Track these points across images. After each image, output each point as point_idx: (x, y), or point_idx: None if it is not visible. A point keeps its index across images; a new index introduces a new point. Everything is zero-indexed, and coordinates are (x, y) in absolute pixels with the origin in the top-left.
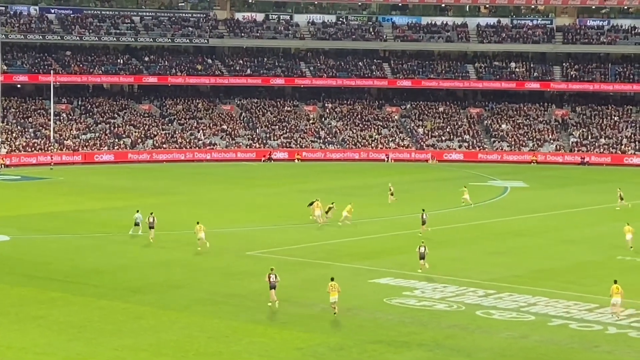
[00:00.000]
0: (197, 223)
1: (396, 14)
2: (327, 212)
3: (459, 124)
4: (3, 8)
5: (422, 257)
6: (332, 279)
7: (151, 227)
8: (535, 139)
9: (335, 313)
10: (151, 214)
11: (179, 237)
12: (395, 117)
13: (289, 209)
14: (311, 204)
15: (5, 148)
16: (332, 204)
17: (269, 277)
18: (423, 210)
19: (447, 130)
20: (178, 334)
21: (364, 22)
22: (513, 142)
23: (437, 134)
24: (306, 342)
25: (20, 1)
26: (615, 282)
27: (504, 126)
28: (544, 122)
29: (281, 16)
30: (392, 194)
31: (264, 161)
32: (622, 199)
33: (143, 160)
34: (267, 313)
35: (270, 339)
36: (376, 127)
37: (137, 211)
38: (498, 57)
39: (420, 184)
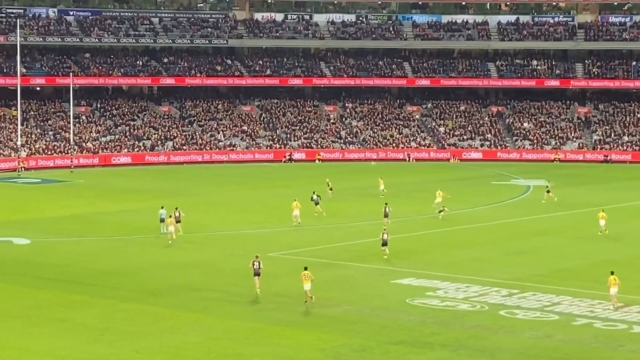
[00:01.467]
0: (170, 216)
1: (416, 12)
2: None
3: (481, 122)
4: (22, 10)
5: (384, 244)
6: (306, 268)
7: (178, 222)
8: (557, 137)
9: (306, 302)
10: (176, 208)
11: (198, 239)
12: (416, 116)
13: (310, 210)
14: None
15: (25, 151)
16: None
17: (253, 264)
18: (386, 204)
19: (469, 129)
20: (199, 336)
21: (384, 21)
22: (535, 141)
23: (458, 133)
24: (328, 343)
25: (39, 4)
26: (612, 273)
27: (525, 124)
28: (567, 120)
29: (300, 16)
30: (330, 189)
31: (284, 162)
32: None
33: (161, 162)
34: (289, 314)
35: (292, 341)
36: (397, 127)
37: (162, 207)
38: (519, 55)
39: (442, 184)
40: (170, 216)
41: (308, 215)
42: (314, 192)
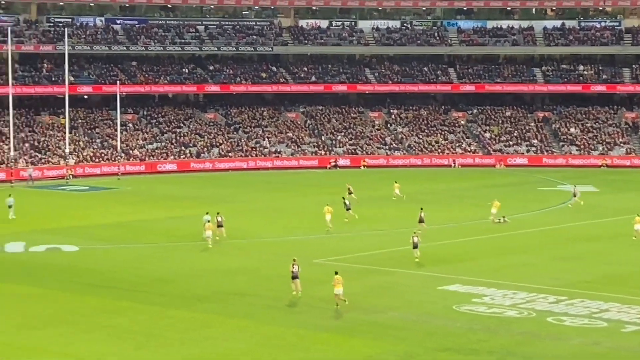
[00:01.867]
0: (208, 221)
1: (461, 18)
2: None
3: (527, 128)
4: (70, 20)
5: (415, 247)
6: (336, 273)
7: (220, 226)
8: (604, 143)
9: (337, 305)
10: (218, 213)
11: (244, 245)
12: (462, 122)
13: (359, 216)
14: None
15: (73, 159)
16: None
17: (293, 267)
18: (421, 209)
19: (515, 134)
20: (245, 343)
21: (428, 27)
22: (582, 146)
23: (504, 138)
24: (374, 349)
25: (86, 13)
26: None
27: (572, 130)
28: (614, 125)
29: (345, 22)
30: (351, 193)
31: (329, 168)
32: None
33: (206, 170)
34: (335, 320)
35: (338, 347)
36: (442, 133)
37: (207, 213)
38: (566, 60)
39: (488, 190)
40: (208, 221)
41: (363, 223)
42: (344, 198)
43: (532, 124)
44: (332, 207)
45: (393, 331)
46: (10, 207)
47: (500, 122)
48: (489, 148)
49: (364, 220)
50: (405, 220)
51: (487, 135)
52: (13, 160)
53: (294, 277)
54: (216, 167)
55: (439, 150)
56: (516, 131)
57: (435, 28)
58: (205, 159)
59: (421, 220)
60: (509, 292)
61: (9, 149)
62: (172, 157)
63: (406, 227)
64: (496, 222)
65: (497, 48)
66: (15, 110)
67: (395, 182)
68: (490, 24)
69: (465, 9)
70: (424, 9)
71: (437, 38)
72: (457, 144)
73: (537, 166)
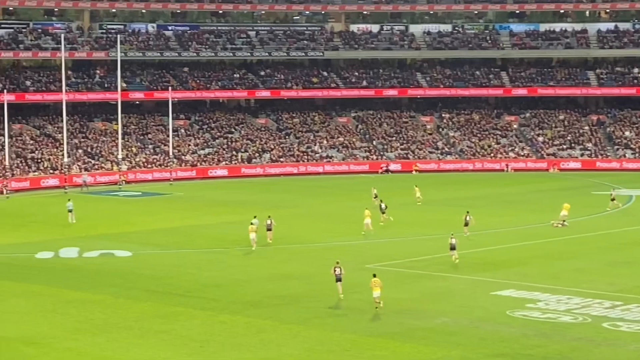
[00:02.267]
0: (251, 223)
1: (513, 21)
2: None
3: (580, 131)
4: (122, 26)
5: (452, 248)
6: (374, 276)
7: (269, 230)
8: None
9: (377, 307)
10: (269, 217)
11: (296, 250)
12: (514, 126)
13: (408, 220)
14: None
15: (126, 165)
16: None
17: (335, 270)
18: (467, 212)
19: (568, 138)
20: (299, 348)
21: (480, 31)
22: (637, 149)
23: (557, 142)
24: (428, 355)
25: (138, 19)
26: None
27: (627, 133)
28: None
29: (396, 27)
30: (376, 197)
31: (381, 173)
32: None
33: (257, 175)
34: (388, 326)
35: (392, 353)
36: (494, 137)
37: (255, 217)
38: (620, 62)
39: (542, 194)
40: (252, 223)
41: (415, 228)
42: (381, 201)
43: (586, 128)
44: (371, 211)
45: (446, 336)
46: (70, 211)
47: (554, 125)
48: (542, 152)
49: (414, 225)
50: (457, 225)
51: (540, 139)
52: (67, 167)
53: (338, 280)
54: (267, 172)
55: (492, 155)
56: (570, 135)
57: (487, 31)
58: (256, 164)
59: (466, 224)
60: (564, 297)
61: (63, 155)
62: (223, 162)
63: (458, 231)
64: (555, 226)
65: (550, 51)
66: (68, 117)
67: (416, 186)
68: (543, 27)
69: (517, 12)
70: (475, 12)
71: (489, 41)
72: (510, 148)
73: (591, 170)
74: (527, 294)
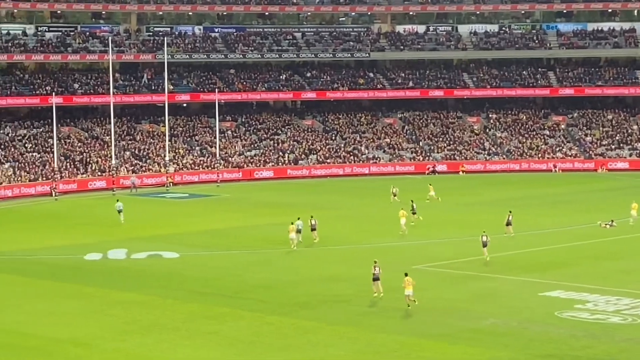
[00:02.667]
0: (292, 223)
1: (561, 21)
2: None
3: (629, 131)
4: (169, 29)
5: (484, 245)
6: (406, 274)
7: (313, 230)
8: None
9: (409, 306)
10: (312, 217)
11: (342, 252)
12: (562, 126)
13: (456, 221)
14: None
15: (173, 167)
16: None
17: (374, 269)
18: (510, 212)
19: (616, 138)
20: (346, 349)
21: (527, 31)
22: None
23: (606, 142)
24: (475, 356)
25: (185, 22)
26: None
27: None
28: None
29: (443, 27)
30: (395, 195)
31: (427, 174)
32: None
33: (303, 176)
34: (435, 327)
35: (439, 354)
36: (542, 137)
37: (298, 218)
38: None
39: (590, 194)
40: (291, 223)
41: (463, 229)
42: (412, 201)
43: (635, 127)
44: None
45: (494, 337)
46: (120, 212)
47: (602, 125)
48: (590, 152)
49: (461, 225)
50: (502, 227)
51: (588, 139)
52: (114, 169)
53: (375, 279)
54: (313, 173)
55: (539, 155)
56: (618, 135)
57: (534, 31)
58: (302, 166)
59: (508, 224)
60: (613, 298)
61: (111, 157)
62: (270, 164)
63: (499, 232)
64: (602, 227)
65: (598, 50)
66: (116, 119)
67: (430, 185)
68: (591, 26)
69: (564, 11)
70: (522, 12)
71: (536, 41)
72: (558, 148)
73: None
74: (576, 295)
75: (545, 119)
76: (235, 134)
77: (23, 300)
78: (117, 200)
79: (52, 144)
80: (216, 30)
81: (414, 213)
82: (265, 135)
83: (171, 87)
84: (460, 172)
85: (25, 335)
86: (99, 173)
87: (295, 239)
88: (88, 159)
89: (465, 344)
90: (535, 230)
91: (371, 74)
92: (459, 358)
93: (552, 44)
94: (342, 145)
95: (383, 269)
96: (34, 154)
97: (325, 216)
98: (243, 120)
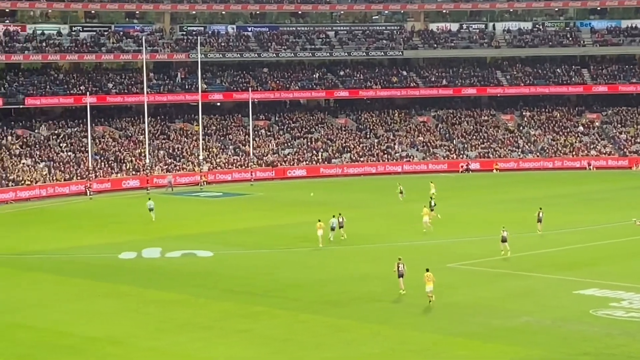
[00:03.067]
0: (319, 221)
1: (595, 18)
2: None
3: None
4: (202, 28)
5: (504, 241)
6: (427, 270)
7: (341, 227)
8: None
9: (430, 301)
10: (339, 214)
11: (374, 250)
12: (596, 123)
13: (489, 219)
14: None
15: (206, 165)
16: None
17: (398, 267)
18: (540, 209)
19: None
20: (380, 347)
21: (561, 28)
22: None
23: None
24: (510, 355)
25: (218, 21)
26: None
27: None
28: None
29: (476, 25)
30: (401, 192)
31: (461, 172)
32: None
33: (336, 175)
34: (468, 325)
35: (473, 352)
36: (576, 135)
37: (333, 216)
38: None
39: (624, 192)
40: (319, 220)
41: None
42: (431, 198)
43: None
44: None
45: (529, 336)
46: (151, 210)
47: (636, 123)
48: (625, 150)
49: (494, 223)
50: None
51: (623, 136)
52: (148, 168)
53: (400, 276)
54: (346, 172)
55: (573, 153)
56: None
57: (568, 29)
58: (334, 164)
59: (539, 220)
60: None
61: (145, 156)
62: (303, 162)
63: (533, 231)
64: (637, 224)
65: (632, 47)
66: (150, 118)
67: (431, 182)
68: (625, 24)
69: (598, 8)
70: (556, 9)
71: (570, 39)
72: (592, 146)
73: None
74: (611, 293)
75: (579, 116)
76: (268, 133)
77: (58, 299)
78: (149, 199)
79: (87, 144)
80: (249, 29)
81: (431, 210)
82: (298, 134)
83: (205, 87)
84: (495, 170)
85: (61, 333)
86: (133, 172)
87: (323, 236)
88: (122, 158)
89: (499, 342)
90: (570, 228)
91: (404, 72)
92: (492, 356)
93: (586, 41)
94: (376, 143)
95: (415, 268)
96: (69, 153)
97: (357, 215)
98: (276, 119)
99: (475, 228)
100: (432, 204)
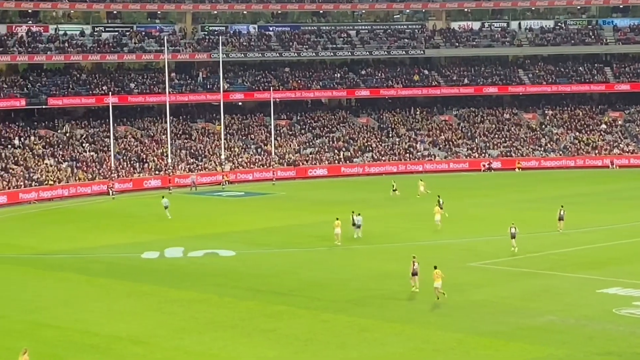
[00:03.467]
0: (337, 219)
1: (617, 16)
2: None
3: None
4: (224, 28)
5: (513, 237)
6: (435, 267)
7: (358, 227)
8: None
9: (438, 298)
10: (358, 214)
11: (396, 249)
12: (619, 122)
13: (511, 218)
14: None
15: (228, 165)
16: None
17: (413, 264)
18: (562, 206)
19: None
20: (403, 347)
21: (583, 26)
22: None
23: None
24: (533, 354)
25: (239, 20)
26: None
27: None
28: None
29: (498, 24)
30: (395, 190)
31: (483, 171)
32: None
33: (357, 174)
34: (492, 324)
35: (497, 351)
36: (599, 133)
37: (358, 214)
38: None
39: None
40: (336, 219)
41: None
42: (438, 196)
43: None
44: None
45: (552, 335)
46: (166, 208)
47: None
48: None
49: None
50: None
51: None
52: (170, 167)
53: (414, 274)
54: (367, 171)
55: (597, 152)
56: None
57: (591, 27)
58: (356, 164)
59: (560, 219)
60: None
61: (167, 156)
62: (325, 162)
63: (556, 229)
64: None
65: None
66: (172, 118)
67: (421, 180)
68: None
69: (621, 6)
70: (578, 7)
71: (593, 37)
72: (615, 144)
73: None
74: (634, 292)
75: (601, 115)
76: (290, 132)
77: (82, 299)
78: (163, 197)
79: (109, 143)
80: (271, 28)
81: (440, 208)
82: (320, 133)
83: (226, 86)
84: (517, 169)
85: (85, 333)
86: (155, 172)
87: (339, 234)
88: (144, 158)
89: (523, 342)
90: (592, 227)
91: (426, 71)
92: (516, 355)
93: (609, 39)
94: (397, 142)
95: (439, 268)
96: (91, 153)
97: (377, 214)
98: (298, 118)
99: (497, 227)
100: (440, 202)
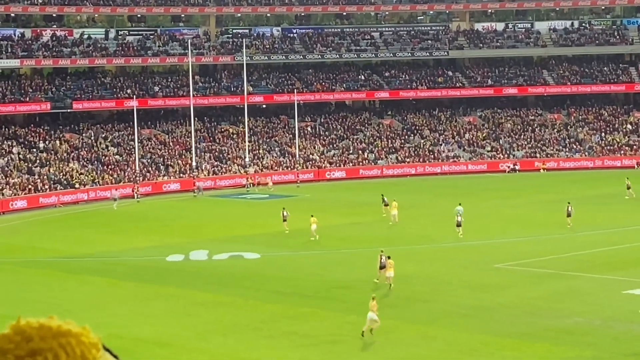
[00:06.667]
0: (312, 216)
1: None
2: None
3: None
4: (247, 30)
5: (568, 215)
6: (389, 257)
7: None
8: None
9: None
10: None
11: (421, 251)
12: None
13: (536, 220)
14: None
15: (252, 167)
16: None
17: (380, 258)
18: (569, 203)
19: None
20: (427, 348)
21: (608, 26)
22: None
23: None
24: (559, 355)
25: (263, 23)
26: None
27: None
28: None
29: (521, 24)
30: (386, 204)
31: (508, 172)
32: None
33: (380, 176)
34: (517, 326)
35: (522, 353)
36: (624, 133)
37: (459, 204)
38: None
39: None
40: (311, 216)
41: (543, 228)
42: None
43: None
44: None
45: (578, 336)
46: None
47: None
48: None
49: (539, 224)
50: (585, 224)
51: None
52: (195, 170)
53: (382, 267)
54: (391, 173)
55: (621, 152)
56: None
57: (615, 27)
58: (380, 165)
59: (568, 215)
60: None
61: (191, 159)
62: (349, 164)
63: (582, 230)
64: None
65: None
66: (196, 121)
67: (394, 201)
68: None
69: None
70: (602, 7)
71: (617, 37)
72: None
73: None
74: None
75: (627, 115)
76: (314, 134)
77: (107, 302)
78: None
79: (134, 147)
80: (294, 30)
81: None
82: (344, 135)
83: (250, 89)
84: (541, 170)
85: (111, 335)
86: (180, 175)
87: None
88: (169, 161)
89: (548, 343)
90: (618, 228)
91: (450, 73)
92: (542, 357)
93: (634, 39)
94: (422, 143)
95: (463, 268)
96: (116, 156)
97: (403, 215)
98: (322, 120)
99: (522, 228)
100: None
